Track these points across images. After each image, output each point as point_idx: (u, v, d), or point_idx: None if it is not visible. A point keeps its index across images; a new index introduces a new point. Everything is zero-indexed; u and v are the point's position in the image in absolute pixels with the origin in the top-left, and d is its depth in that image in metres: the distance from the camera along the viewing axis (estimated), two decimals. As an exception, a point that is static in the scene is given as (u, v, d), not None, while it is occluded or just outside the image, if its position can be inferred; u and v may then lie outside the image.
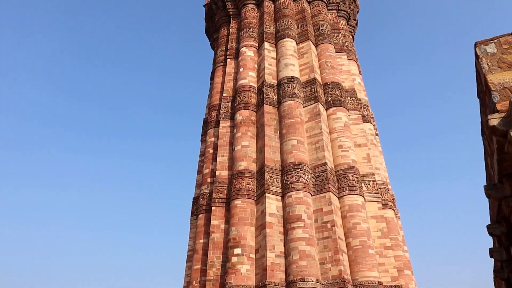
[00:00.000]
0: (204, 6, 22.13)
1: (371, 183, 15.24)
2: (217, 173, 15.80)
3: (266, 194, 14.06)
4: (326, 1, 19.64)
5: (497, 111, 4.17)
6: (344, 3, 20.52)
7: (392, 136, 58.21)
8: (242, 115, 16.40)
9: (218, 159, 16.13)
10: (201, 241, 15.17)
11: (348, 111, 16.41)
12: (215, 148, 16.83)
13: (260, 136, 15.75)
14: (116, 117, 65.59)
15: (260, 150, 15.36)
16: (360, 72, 19.23)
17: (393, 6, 68.02)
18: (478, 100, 5.47)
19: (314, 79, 16.50)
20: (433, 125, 60.49)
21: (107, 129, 64.32)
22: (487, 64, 4.56)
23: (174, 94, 69.12)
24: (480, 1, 61.57)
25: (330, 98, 16.34)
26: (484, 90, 4.73)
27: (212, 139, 17.30)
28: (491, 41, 4.79)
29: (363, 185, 14.95)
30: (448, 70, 59.40)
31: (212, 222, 14.80)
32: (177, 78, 70.34)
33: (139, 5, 70.37)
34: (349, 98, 17.01)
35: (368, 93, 19.12)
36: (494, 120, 4.05)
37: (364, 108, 17.68)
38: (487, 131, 4.32)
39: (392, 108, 62.25)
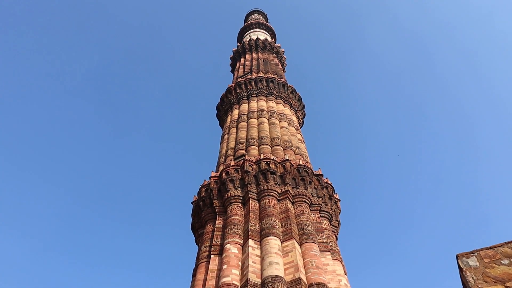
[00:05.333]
0: (192, 203, 22.95)
1: None
2: None
3: None
4: (308, 202, 20.62)
5: (492, 330, 4.03)
6: (326, 205, 21.54)
7: None
8: (223, 316, 15.33)
9: None
10: None
11: (335, 315, 15.53)
12: None
13: None
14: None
15: None
16: (345, 272, 18.91)
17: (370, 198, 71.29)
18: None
19: (299, 279, 16.05)
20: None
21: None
22: (472, 277, 4.59)
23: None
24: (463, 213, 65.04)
25: (316, 300, 15.62)
26: (474, 305, 4.64)
27: None
28: (472, 254, 4.92)
29: None
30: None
31: None
32: (159, 273, 67.89)
33: (131, 198, 72.64)
34: (336, 300, 16.29)
35: (355, 295, 18.42)
36: None
37: (352, 311, 16.79)
38: None
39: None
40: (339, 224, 22.24)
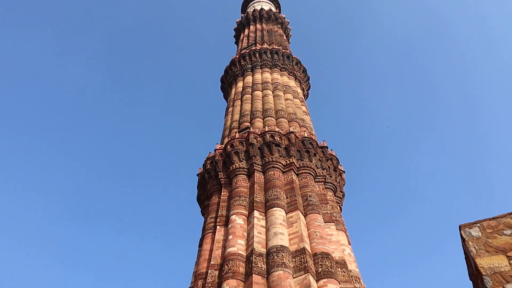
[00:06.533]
0: (197, 175, 23.17)
1: None
2: None
3: None
4: (313, 174, 20.77)
5: (492, 297, 4.14)
6: (331, 176, 21.70)
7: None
8: (230, 284, 15.70)
9: (202, 334, 14.87)
10: None
11: (339, 283, 15.86)
12: (199, 321, 15.67)
13: (247, 308, 14.85)
14: (103, 284, 62.41)
15: (248, 325, 14.31)
16: (349, 242, 19.22)
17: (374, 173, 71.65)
18: (471, 282, 5.43)
19: (304, 248, 16.35)
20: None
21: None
22: (474, 247, 4.68)
23: (161, 260, 67.13)
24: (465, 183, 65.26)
25: (320, 269, 15.94)
26: (475, 274, 4.74)
27: (197, 311, 16.22)
28: (475, 225, 5.00)
29: None
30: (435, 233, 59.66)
31: None
32: (166, 244, 69.27)
33: (136, 171, 73.33)
34: (339, 269, 16.62)
35: (358, 264, 18.78)
36: (491, 307, 3.99)
37: (355, 280, 17.15)
38: (486, 319, 4.20)
39: (383, 278, 60.36)
40: (343, 195, 22.45)
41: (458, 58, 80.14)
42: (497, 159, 65.88)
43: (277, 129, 22.14)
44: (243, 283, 15.92)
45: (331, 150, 23.20)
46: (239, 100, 28.11)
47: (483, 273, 4.34)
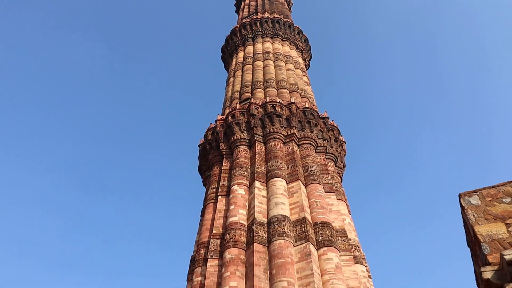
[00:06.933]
0: (199, 146, 23.21)
1: (366, 331, 14.27)
2: (203, 316, 14.78)
3: None
4: (314, 145, 20.80)
5: (489, 263, 4.19)
6: (332, 147, 21.74)
7: (385, 275, 56.32)
8: (231, 253, 15.99)
9: (205, 301, 15.23)
10: None
11: (339, 251, 16.14)
12: (202, 288, 16.02)
13: (249, 276, 15.14)
14: (107, 250, 63.78)
15: (249, 291, 14.63)
16: (349, 212, 19.44)
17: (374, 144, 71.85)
18: (469, 249, 5.51)
19: (304, 218, 16.55)
20: (424, 256, 59.47)
21: (94, 267, 61.83)
22: (473, 215, 4.72)
23: (164, 229, 68.22)
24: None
25: (320, 238, 16.18)
26: (473, 241, 4.80)
27: (199, 278, 16.56)
28: (474, 193, 5.02)
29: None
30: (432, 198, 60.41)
31: None
32: (168, 214, 70.22)
33: (139, 140, 73.54)
34: (339, 238, 16.87)
35: (358, 233, 19.05)
36: (488, 273, 4.05)
37: (355, 249, 17.44)
38: (482, 284, 4.27)
39: (381, 246, 61.36)
40: (344, 166, 22.54)
41: (466, 25, 78.70)
42: (499, 129, 65.78)
43: (278, 100, 22.04)
44: (244, 251, 16.21)
45: (332, 120, 23.15)
46: (240, 71, 27.86)
47: (481, 240, 4.39)
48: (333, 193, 18.98)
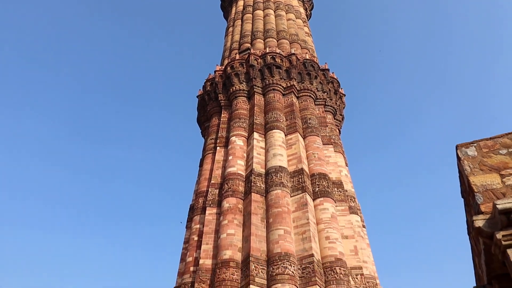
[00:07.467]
0: (197, 96, 23.09)
1: (358, 276, 14.84)
2: (201, 261, 15.31)
3: (251, 286, 13.49)
4: (313, 97, 20.71)
5: (482, 213, 4.30)
6: (331, 99, 21.66)
7: (379, 225, 57.93)
8: (229, 202, 16.34)
9: (203, 247, 15.72)
10: (180, 336, 14.25)
11: (335, 202, 16.50)
12: (200, 235, 16.50)
13: (246, 224, 15.56)
14: (101, 191, 65.04)
15: (246, 239, 15.07)
16: (346, 164, 19.70)
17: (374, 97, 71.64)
18: (463, 199, 5.63)
19: (302, 169, 16.79)
20: (418, 207, 61.06)
21: (92, 208, 63.25)
22: (469, 166, 4.78)
23: (162, 177, 69.20)
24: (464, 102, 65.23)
25: (317, 189, 16.49)
26: (467, 191, 4.90)
27: (198, 226, 17.02)
28: (471, 145, 5.07)
29: (350, 278, 14.52)
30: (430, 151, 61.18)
31: (193, 315, 14.04)
32: (167, 162, 70.93)
33: (138, 89, 73.02)
34: (336, 189, 17.20)
35: (354, 184, 19.40)
36: (479, 221, 4.15)
37: (351, 199, 17.82)
38: (473, 232, 4.40)
39: (377, 197, 62.67)
40: (342, 119, 22.57)
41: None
42: (502, 84, 65.28)
43: (278, 51, 21.69)
44: (242, 201, 16.56)
45: (333, 73, 22.92)
46: (240, 20, 27.21)
47: (475, 190, 4.46)
48: (331, 146, 19.13)
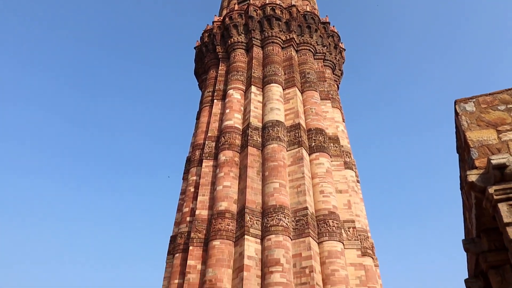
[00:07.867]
0: (195, 48, 22.63)
1: (351, 229, 15.22)
2: (197, 212, 15.61)
3: (246, 236, 13.87)
4: (313, 51, 20.35)
5: (476, 168, 4.32)
6: (331, 54, 21.30)
7: (372, 181, 58.79)
8: (226, 155, 16.44)
9: (199, 198, 15.98)
10: (176, 281, 14.75)
11: (330, 157, 16.63)
12: (197, 187, 16.72)
13: (242, 177, 15.74)
14: (101, 142, 65.34)
15: (242, 191, 15.29)
16: (343, 120, 19.68)
17: (374, 57, 70.62)
18: (458, 155, 5.65)
19: (299, 124, 16.78)
20: (411, 164, 61.83)
21: (88, 158, 63.68)
22: (466, 121, 4.75)
23: (160, 129, 69.25)
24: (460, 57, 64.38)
25: (313, 144, 16.56)
26: (463, 146, 4.91)
27: (194, 177, 17.22)
28: (470, 100, 5.02)
29: (343, 231, 14.90)
30: (428, 112, 61.25)
31: (188, 262, 14.47)
32: (164, 114, 70.73)
33: (134, 40, 71.52)
34: (332, 144, 17.28)
35: (351, 140, 19.49)
36: (473, 176, 4.19)
37: (346, 155, 17.96)
38: (466, 187, 4.45)
39: (372, 153, 63.22)
40: (341, 74, 22.32)
41: None
42: (504, 40, 64.16)
43: (278, 2, 21.09)
44: (238, 154, 16.66)
45: (333, 26, 22.42)
46: (239, -32, 26.23)
47: (471, 146, 4.47)
48: (329, 101, 19.04)
